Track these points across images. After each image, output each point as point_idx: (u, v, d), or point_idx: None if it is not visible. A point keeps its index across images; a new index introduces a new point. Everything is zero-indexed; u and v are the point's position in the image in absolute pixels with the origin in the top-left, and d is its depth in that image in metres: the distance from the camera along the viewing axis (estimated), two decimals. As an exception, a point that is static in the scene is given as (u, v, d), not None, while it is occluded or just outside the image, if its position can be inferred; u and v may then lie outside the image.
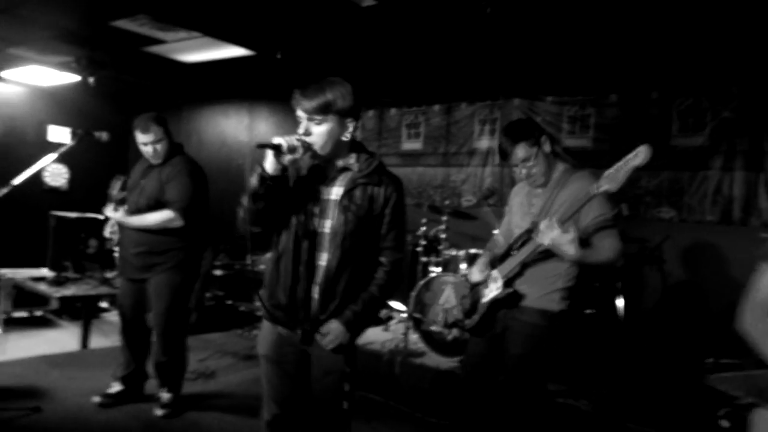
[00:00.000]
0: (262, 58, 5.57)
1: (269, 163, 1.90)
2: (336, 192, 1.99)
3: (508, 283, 2.36)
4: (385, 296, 2.04)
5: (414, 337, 4.08)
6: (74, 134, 3.13)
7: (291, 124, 1.90)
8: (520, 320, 2.34)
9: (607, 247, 2.24)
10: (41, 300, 5.44)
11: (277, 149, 1.87)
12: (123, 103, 7.67)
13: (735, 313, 1.91)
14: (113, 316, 5.92)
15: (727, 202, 4.29)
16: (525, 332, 2.32)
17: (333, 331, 1.94)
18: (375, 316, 2.08)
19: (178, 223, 3.20)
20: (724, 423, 3.49)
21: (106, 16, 4.76)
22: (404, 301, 4.59)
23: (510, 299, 2.35)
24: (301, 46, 5.16)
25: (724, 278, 4.28)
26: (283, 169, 1.94)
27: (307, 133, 1.93)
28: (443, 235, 4.50)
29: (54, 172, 7.63)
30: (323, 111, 1.92)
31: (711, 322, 4.28)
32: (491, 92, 5.53)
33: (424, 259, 4.52)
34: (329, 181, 2.02)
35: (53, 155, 2.83)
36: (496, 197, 5.50)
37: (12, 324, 5.19)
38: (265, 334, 2.12)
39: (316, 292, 1.97)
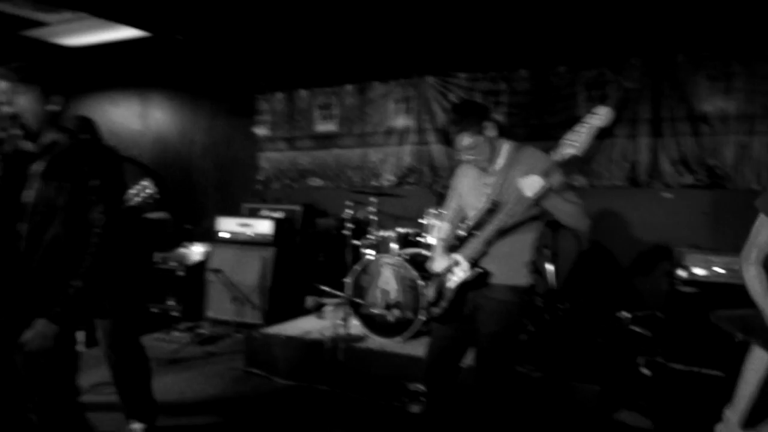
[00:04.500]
0: (157, 41, 5.12)
1: None
2: (40, 165, 2.05)
3: (474, 264, 2.34)
4: (88, 280, 2.01)
5: (354, 322, 4.00)
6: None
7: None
8: (492, 298, 2.32)
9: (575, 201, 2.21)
10: None
11: None
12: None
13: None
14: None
15: (633, 166, 4.60)
16: (499, 310, 2.31)
17: (33, 332, 1.95)
18: (84, 300, 2.06)
19: None
20: (645, 371, 3.80)
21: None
22: (339, 287, 4.49)
23: (478, 280, 2.33)
24: (201, 27, 4.80)
25: (631, 238, 4.61)
26: None
27: (9, 102, 1.99)
28: (373, 217, 4.43)
29: None
30: (25, 80, 2.00)
31: (621, 279, 4.61)
32: (404, 70, 5.50)
33: (355, 242, 4.42)
34: (37, 156, 2.08)
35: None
36: (417, 175, 5.53)
37: None
38: None
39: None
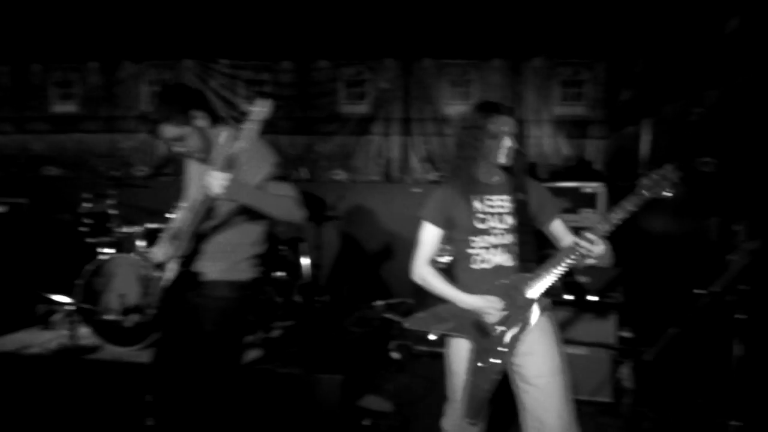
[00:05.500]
0: None
1: None
2: None
3: (188, 260, 2.16)
4: None
5: (85, 330, 3.50)
6: None
7: None
8: (210, 296, 2.17)
9: (284, 194, 2.13)
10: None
11: None
12: None
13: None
14: None
15: (387, 163, 4.85)
16: (216, 307, 2.17)
17: None
18: None
19: None
20: (395, 355, 4.02)
21: None
22: (69, 292, 3.90)
23: (191, 277, 2.16)
24: None
25: (386, 230, 4.86)
26: None
27: None
28: (113, 211, 3.94)
29: None
30: None
31: (378, 269, 4.84)
32: (160, 51, 5.04)
33: (91, 240, 3.88)
34: None
35: None
36: (173, 166, 5.11)
37: None
38: None
39: None
